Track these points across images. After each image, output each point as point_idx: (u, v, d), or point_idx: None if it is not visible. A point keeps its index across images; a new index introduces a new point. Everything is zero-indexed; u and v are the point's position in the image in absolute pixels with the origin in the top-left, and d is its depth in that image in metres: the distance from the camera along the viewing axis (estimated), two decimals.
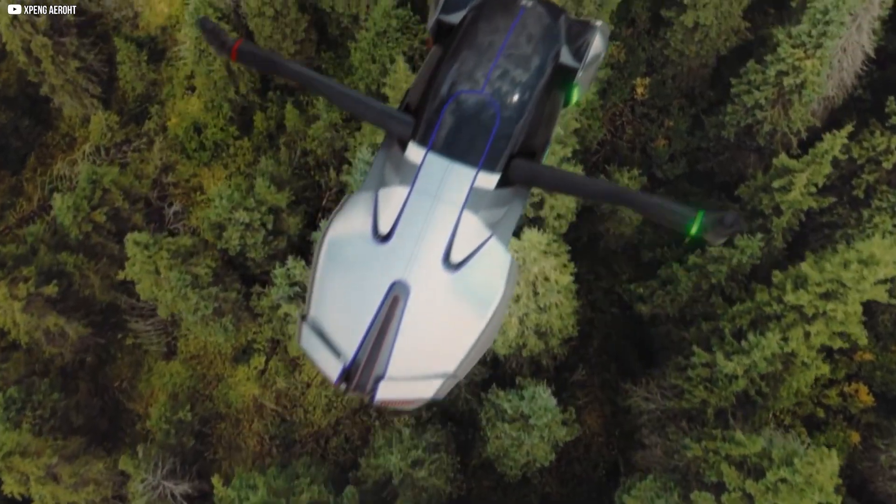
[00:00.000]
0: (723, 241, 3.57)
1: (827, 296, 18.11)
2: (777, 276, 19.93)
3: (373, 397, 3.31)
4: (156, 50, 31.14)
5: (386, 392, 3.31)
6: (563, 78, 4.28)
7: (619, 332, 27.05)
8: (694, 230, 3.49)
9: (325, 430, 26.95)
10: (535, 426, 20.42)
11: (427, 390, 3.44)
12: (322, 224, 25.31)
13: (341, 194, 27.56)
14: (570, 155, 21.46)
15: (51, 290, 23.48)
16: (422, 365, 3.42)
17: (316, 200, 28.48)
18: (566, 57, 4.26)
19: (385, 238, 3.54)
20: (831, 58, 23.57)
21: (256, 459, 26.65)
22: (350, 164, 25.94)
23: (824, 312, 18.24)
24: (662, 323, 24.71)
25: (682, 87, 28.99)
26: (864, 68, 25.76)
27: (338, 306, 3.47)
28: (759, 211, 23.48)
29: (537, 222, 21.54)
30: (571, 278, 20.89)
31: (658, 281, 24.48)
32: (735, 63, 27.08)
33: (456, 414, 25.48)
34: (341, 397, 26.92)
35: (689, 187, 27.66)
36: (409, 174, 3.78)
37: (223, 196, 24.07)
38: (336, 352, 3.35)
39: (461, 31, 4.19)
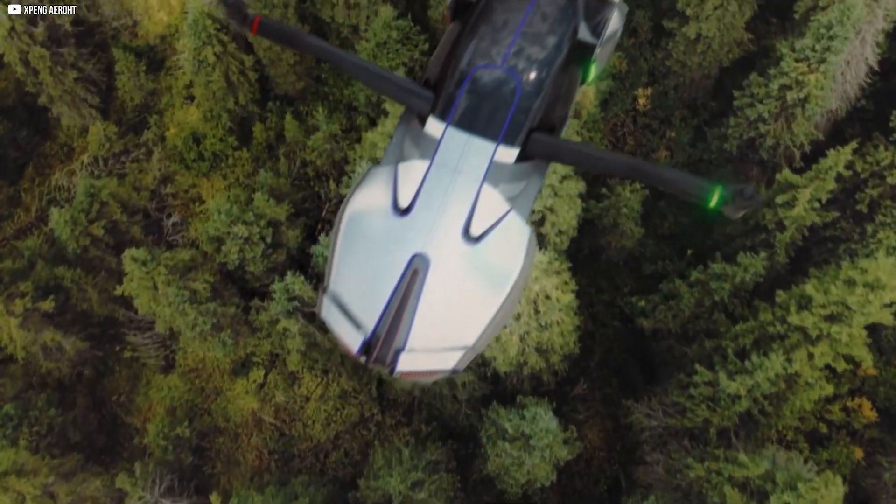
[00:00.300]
0: (741, 214, 3.63)
1: (831, 318, 17.93)
2: (781, 295, 19.75)
3: (393, 369, 3.38)
4: (155, 59, 30.94)
5: (406, 364, 3.38)
6: (581, 54, 4.37)
7: (620, 346, 26.88)
8: (713, 203, 3.57)
9: (324, 444, 26.79)
10: (535, 447, 20.25)
11: (447, 362, 3.50)
12: (322, 237, 25.14)
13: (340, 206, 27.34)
14: (570, 172, 21.26)
15: (48, 305, 23.30)
16: (442, 337, 3.48)
17: (315, 212, 28.31)
18: (584, 33, 4.35)
19: (405, 211, 3.62)
20: (835, 72, 23.39)
21: (255, 474, 26.49)
22: (350, 177, 25.77)
23: (828, 334, 18.07)
24: (664, 338, 24.54)
25: (684, 97, 28.82)
26: (868, 80, 25.58)
27: (358, 279, 3.55)
28: (763, 226, 23.29)
29: (538, 240, 21.34)
30: (573, 296, 20.70)
31: (660, 295, 24.30)
32: (738, 74, 26.90)
33: (456, 429, 25.32)
34: (341, 411, 26.76)
35: None
36: (429, 148, 3.86)
37: (221, 210, 23.87)
38: (356, 324, 3.42)
39: (479, 7, 4.24)
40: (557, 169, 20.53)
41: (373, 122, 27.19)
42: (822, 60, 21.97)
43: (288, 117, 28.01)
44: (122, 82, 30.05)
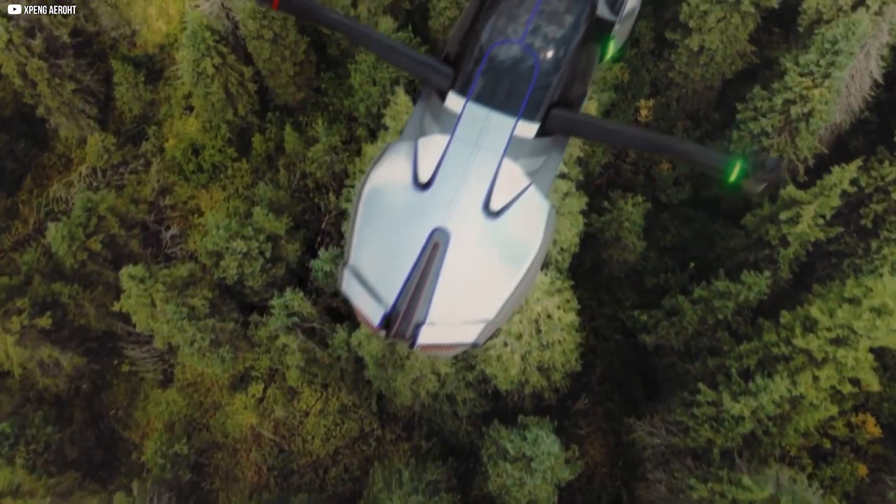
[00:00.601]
0: (762, 188, 3.62)
1: (837, 341, 17.70)
2: (785, 316, 19.51)
3: (413, 342, 3.36)
4: (153, 69, 30.72)
5: (427, 337, 3.37)
6: (599, 30, 4.40)
7: (622, 360, 26.67)
8: (733, 177, 3.55)
9: (323, 459, 26.56)
10: (537, 469, 20.03)
11: (468, 335, 3.49)
12: (321, 251, 24.93)
13: (341, 218, 27.19)
14: (573, 190, 21.04)
15: (45, 321, 23.09)
16: (462, 310, 3.47)
17: (315, 224, 28.07)
18: (603, 10, 4.38)
19: (425, 186, 3.61)
20: (839, 86, 23.15)
21: (254, 490, 26.26)
22: (350, 189, 25.55)
23: (834, 358, 17.83)
24: (667, 354, 24.32)
25: (686, 109, 28.59)
26: (872, 93, 25.36)
27: (378, 253, 3.54)
28: (766, 242, 23.09)
29: None
30: (575, 314, 20.48)
31: (662, 311, 24.09)
32: (741, 85, 26.67)
33: (457, 445, 25.11)
34: (340, 426, 26.54)
35: (694, 213, 27.28)
36: (449, 123, 3.86)
37: (220, 226, 23.66)
38: (377, 298, 3.41)
39: None
40: (559, 187, 20.32)
41: (373, 134, 26.98)
42: (827, 75, 21.74)
43: (287, 128, 27.79)
44: (120, 93, 29.85)
